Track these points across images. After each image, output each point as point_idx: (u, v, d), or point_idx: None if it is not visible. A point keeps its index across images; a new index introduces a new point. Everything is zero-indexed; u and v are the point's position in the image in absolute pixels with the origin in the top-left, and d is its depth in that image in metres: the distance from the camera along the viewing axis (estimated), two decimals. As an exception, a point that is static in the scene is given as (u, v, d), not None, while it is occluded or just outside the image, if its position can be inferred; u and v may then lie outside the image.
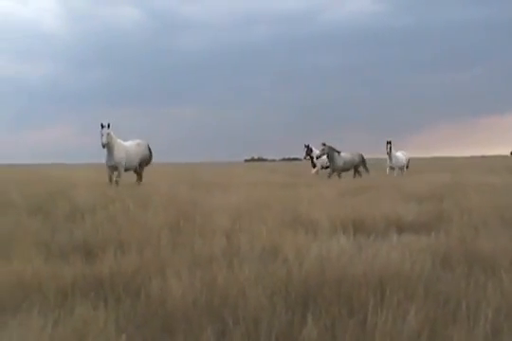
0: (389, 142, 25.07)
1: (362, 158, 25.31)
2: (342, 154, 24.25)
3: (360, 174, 25.02)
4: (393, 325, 3.88)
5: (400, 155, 26.41)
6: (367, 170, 25.62)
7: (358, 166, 25.25)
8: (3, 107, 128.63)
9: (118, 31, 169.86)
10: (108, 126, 16.25)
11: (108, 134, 16.19)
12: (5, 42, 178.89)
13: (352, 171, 25.24)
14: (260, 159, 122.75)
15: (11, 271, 5.21)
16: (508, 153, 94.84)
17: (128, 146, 17.64)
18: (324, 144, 23.90)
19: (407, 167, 27.21)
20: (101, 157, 17.64)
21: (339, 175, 24.09)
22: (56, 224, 8.00)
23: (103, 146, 16.23)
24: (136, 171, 18.46)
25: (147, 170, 19.11)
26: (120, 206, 9.76)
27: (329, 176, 24.01)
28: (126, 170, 17.63)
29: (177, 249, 6.31)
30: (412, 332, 3.83)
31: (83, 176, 22.94)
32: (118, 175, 16.93)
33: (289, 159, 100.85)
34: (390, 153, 25.35)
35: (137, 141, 18.34)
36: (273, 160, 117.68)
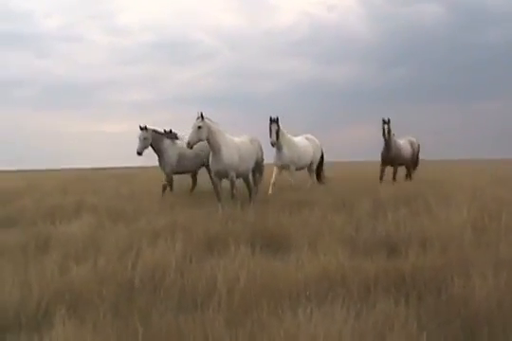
0: None
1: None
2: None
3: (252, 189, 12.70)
4: None
5: None
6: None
7: (258, 167, 12.84)
8: (308, 108, 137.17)
9: (420, 29, 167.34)
10: (278, 121, 13.47)
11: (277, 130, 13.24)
12: (313, 46, 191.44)
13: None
14: None
15: (318, 264, 5.52)
16: None
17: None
18: (145, 128, 13.47)
19: None
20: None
21: (170, 184, 14.01)
22: (359, 221, 8.23)
23: (274, 144, 13.42)
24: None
25: (455, 166, 18.17)
26: (422, 202, 9.67)
27: (168, 187, 13.95)
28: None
29: (481, 248, 6.04)
30: None
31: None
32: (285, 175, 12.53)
33: None
34: None
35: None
36: None
